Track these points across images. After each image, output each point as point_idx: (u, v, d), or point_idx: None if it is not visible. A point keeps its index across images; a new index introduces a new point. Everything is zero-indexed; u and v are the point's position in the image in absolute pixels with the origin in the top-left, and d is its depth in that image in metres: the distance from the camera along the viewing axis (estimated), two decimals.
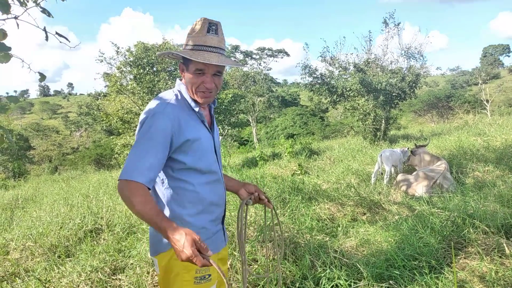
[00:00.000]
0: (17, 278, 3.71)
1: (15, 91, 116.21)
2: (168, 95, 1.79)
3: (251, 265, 3.47)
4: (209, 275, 1.77)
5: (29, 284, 3.47)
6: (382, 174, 7.11)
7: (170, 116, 1.65)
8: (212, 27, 1.72)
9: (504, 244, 3.16)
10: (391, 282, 2.93)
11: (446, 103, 32.63)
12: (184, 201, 1.75)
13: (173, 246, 1.43)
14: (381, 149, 9.84)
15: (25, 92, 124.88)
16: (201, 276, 1.74)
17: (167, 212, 1.74)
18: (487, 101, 28.92)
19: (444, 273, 2.98)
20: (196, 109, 1.77)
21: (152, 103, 1.73)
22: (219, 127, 16.28)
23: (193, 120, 1.76)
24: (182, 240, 1.39)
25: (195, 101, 1.78)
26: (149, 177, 1.59)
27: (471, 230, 3.51)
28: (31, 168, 29.41)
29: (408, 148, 7.44)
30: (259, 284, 3.14)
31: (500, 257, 3.10)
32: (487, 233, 3.47)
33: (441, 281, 2.86)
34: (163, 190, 1.75)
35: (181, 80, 1.83)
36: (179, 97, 1.79)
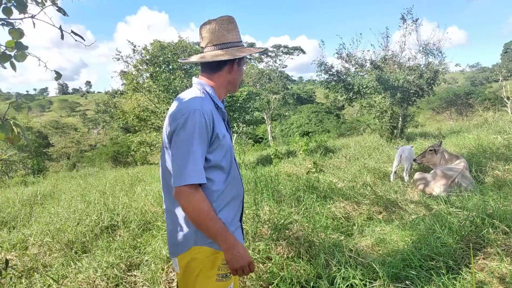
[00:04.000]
0: (35, 273, 3.78)
1: (35, 89, 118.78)
2: (197, 92, 1.79)
3: (265, 263, 3.45)
4: (230, 273, 1.79)
5: (46, 279, 3.53)
6: (396, 172, 7.00)
7: (207, 112, 1.68)
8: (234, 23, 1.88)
9: None
10: (407, 282, 2.88)
11: (465, 100, 32.08)
12: (209, 201, 1.72)
13: (232, 252, 1.69)
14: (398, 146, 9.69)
15: (44, 90, 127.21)
16: (223, 274, 1.77)
17: None
18: (508, 98, 28.26)
19: (462, 274, 2.92)
20: (222, 107, 1.84)
21: (187, 101, 1.73)
22: (234, 124, 16.29)
23: (218, 117, 1.80)
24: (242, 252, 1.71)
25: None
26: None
27: (491, 230, 3.42)
28: (50, 165, 30.01)
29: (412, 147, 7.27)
30: (273, 283, 3.13)
31: None
32: (507, 234, 3.38)
33: (459, 282, 2.80)
34: None
35: (210, 79, 1.84)
36: (206, 94, 1.82)
